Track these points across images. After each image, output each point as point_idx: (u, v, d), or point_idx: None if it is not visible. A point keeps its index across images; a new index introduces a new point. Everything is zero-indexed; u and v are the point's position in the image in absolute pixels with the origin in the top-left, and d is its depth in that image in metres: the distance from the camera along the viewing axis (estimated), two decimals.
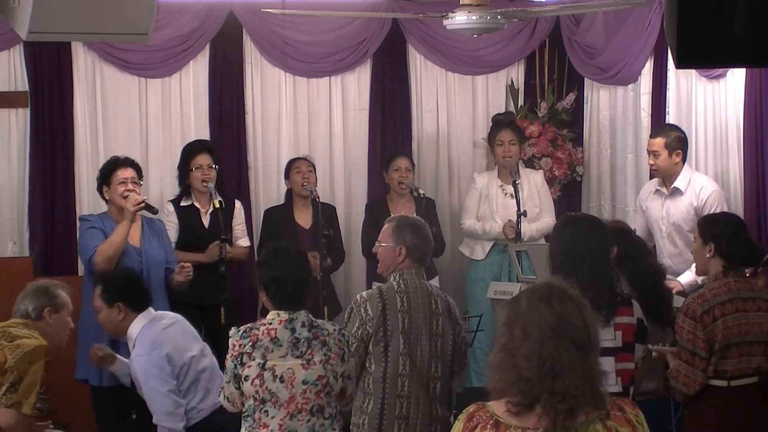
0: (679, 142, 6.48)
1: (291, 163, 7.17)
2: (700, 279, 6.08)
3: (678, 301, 5.24)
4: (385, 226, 4.90)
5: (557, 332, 2.68)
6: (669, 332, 4.94)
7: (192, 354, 5.24)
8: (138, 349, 5.18)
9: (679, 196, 6.47)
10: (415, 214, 6.10)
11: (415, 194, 7.00)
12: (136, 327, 5.23)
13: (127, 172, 5.99)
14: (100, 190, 6.10)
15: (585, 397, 2.69)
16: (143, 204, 5.89)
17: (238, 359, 4.25)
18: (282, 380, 4.23)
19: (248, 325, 4.31)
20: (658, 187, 6.63)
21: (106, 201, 6.07)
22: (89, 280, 5.88)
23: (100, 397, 5.88)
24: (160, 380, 5.11)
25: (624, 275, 4.72)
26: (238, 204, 6.96)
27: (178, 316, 5.41)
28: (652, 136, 6.62)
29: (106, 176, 6.02)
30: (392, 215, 7.02)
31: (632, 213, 7.24)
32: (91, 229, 5.92)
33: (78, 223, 6.50)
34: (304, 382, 4.24)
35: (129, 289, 5.31)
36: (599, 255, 4.25)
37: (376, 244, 4.88)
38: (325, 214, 6.92)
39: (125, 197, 5.89)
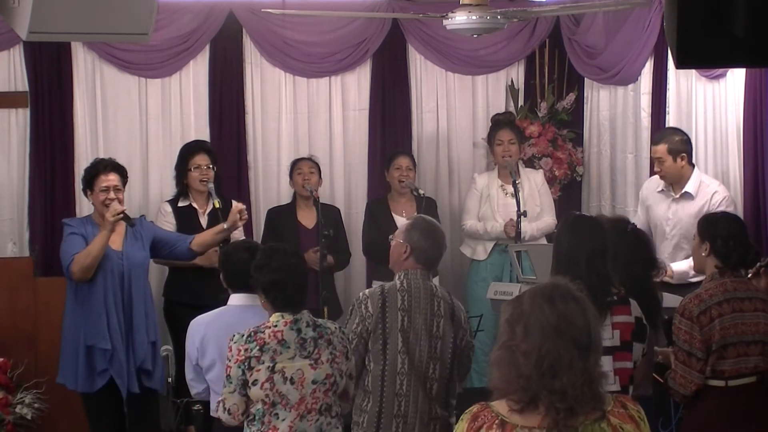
0: (682, 145, 6.40)
1: (294, 164, 7.17)
2: (691, 273, 6.07)
3: (669, 302, 5.20)
4: (404, 222, 4.99)
5: (558, 331, 2.68)
6: (661, 335, 4.91)
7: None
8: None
9: (690, 200, 6.40)
10: (416, 214, 6.10)
11: (416, 194, 7.01)
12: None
13: (110, 178, 5.83)
14: (84, 192, 5.99)
15: (584, 398, 2.69)
16: (122, 215, 5.71)
17: (246, 364, 4.20)
18: (292, 382, 4.22)
19: (251, 329, 4.26)
20: (664, 188, 6.57)
21: (92, 203, 5.99)
22: (70, 285, 5.81)
23: (89, 401, 5.85)
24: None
25: (615, 275, 4.66)
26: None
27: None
28: (654, 142, 6.53)
29: (89, 180, 5.88)
30: (393, 215, 7.14)
31: (632, 213, 7.20)
32: (72, 235, 5.78)
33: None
34: (314, 382, 4.26)
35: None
36: (594, 255, 4.27)
37: (391, 236, 4.92)
38: (329, 215, 6.93)
39: (106, 205, 5.74)
